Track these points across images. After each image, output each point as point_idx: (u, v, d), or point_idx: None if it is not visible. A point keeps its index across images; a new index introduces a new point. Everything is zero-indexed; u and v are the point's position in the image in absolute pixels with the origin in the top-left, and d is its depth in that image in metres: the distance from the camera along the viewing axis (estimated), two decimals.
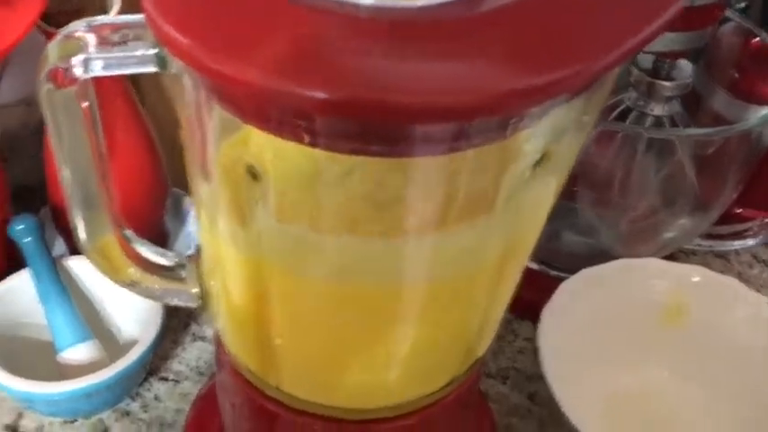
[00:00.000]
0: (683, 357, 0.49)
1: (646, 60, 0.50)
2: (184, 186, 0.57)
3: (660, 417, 0.48)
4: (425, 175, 0.21)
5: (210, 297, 0.30)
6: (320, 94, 0.17)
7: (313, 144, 0.20)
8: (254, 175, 0.22)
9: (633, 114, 0.51)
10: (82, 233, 0.28)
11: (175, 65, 0.22)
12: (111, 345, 0.49)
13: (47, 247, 0.50)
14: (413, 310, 0.26)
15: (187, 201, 0.59)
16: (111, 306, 0.51)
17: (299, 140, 0.20)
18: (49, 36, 0.44)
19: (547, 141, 0.23)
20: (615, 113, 0.52)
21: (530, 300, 0.48)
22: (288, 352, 0.28)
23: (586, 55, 0.19)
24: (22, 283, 0.48)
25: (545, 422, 0.48)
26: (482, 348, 0.30)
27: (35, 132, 0.53)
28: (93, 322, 0.49)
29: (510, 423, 0.49)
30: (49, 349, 0.47)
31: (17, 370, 0.43)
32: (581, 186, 0.52)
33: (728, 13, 0.52)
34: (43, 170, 0.50)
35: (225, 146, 0.23)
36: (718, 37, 0.54)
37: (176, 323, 0.53)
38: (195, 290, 0.30)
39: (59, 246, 0.54)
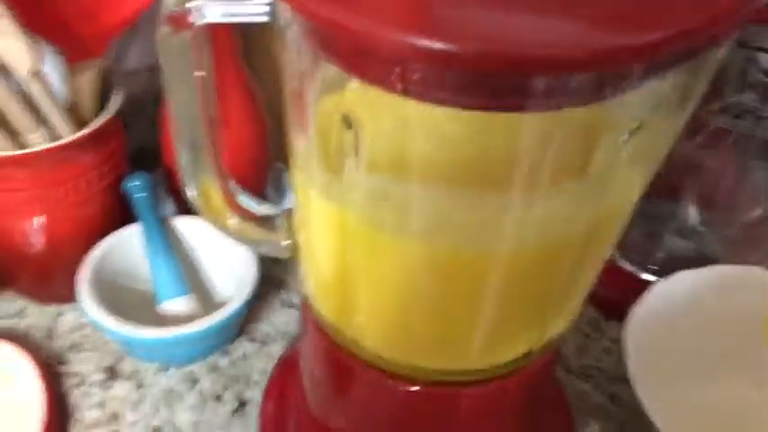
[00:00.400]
0: None
1: (767, 60, 0.48)
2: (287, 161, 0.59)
3: None
4: (523, 130, 0.21)
5: (299, 250, 0.31)
6: (434, 45, 0.18)
7: (413, 95, 0.20)
8: (348, 123, 0.23)
9: (749, 117, 0.49)
10: (187, 173, 0.29)
11: (284, 16, 0.23)
12: (208, 302, 0.52)
13: (157, 204, 0.53)
14: (495, 274, 0.26)
15: (287, 176, 0.61)
16: (211, 266, 0.54)
17: (400, 91, 0.21)
18: None
19: (642, 112, 0.22)
20: (730, 115, 0.50)
21: (620, 300, 0.47)
22: (367, 306, 0.28)
23: (694, 18, 0.19)
24: (132, 236, 0.52)
25: (625, 425, 0.47)
26: (558, 327, 0.30)
27: (156, 99, 0.57)
28: (193, 280, 0.52)
29: (588, 422, 0.48)
30: (151, 300, 0.50)
31: (120, 316, 0.46)
32: (688, 186, 0.50)
33: None
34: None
35: (324, 95, 0.24)
36: None
37: (268, 289, 0.55)
38: (286, 242, 0.31)
39: (169, 206, 0.57)
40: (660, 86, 0.22)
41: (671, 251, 0.53)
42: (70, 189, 0.48)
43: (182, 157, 0.29)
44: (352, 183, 0.24)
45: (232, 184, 0.31)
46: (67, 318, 0.54)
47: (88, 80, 0.47)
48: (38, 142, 0.46)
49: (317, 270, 0.30)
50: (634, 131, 0.22)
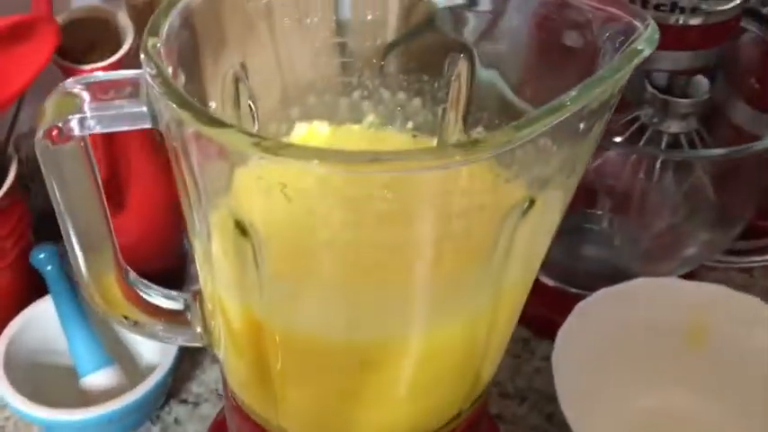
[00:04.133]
0: (704, 379, 0.48)
1: (660, 77, 0.49)
2: None
3: None
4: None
5: (213, 337, 0.30)
6: None
7: None
8: (242, 230, 0.22)
9: (649, 131, 0.50)
10: (84, 274, 0.28)
11: (164, 121, 0.22)
12: (132, 369, 0.50)
13: (67, 273, 0.50)
14: (409, 361, 0.26)
15: None
16: None
17: None
18: (65, 69, 0.45)
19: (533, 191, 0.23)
20: (631, 130, 0.51)
21: (548, 318, 0.48)
22: (289, 400, 0.28)
23: None
24: (44, 309, 0.49)
25: None
26: (481, 384, 0.30)
27: None
28: (114, 347, 0.50)
29: None
30: (72, 375, 0.48)
31: (41, 396, 0.44)
32: (600, 205, 0.51)
33: (746, 23, 0.51)
34: None
35: (215, 200, 0.23)
36: (738, 47, 0.53)
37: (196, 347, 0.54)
38: (199, 329, 0.30)
39: None
40: (546, 166, 0.22)
41: (589, 267, 0.54)
42: None
43: (76, 260, 0.27)
44: (257, 285, 0.24)
45: (132, 276, 0.30)
46: None
47: None
48: None
49: (235, 363, 0.29)
50: (527, 210, 0.22)
